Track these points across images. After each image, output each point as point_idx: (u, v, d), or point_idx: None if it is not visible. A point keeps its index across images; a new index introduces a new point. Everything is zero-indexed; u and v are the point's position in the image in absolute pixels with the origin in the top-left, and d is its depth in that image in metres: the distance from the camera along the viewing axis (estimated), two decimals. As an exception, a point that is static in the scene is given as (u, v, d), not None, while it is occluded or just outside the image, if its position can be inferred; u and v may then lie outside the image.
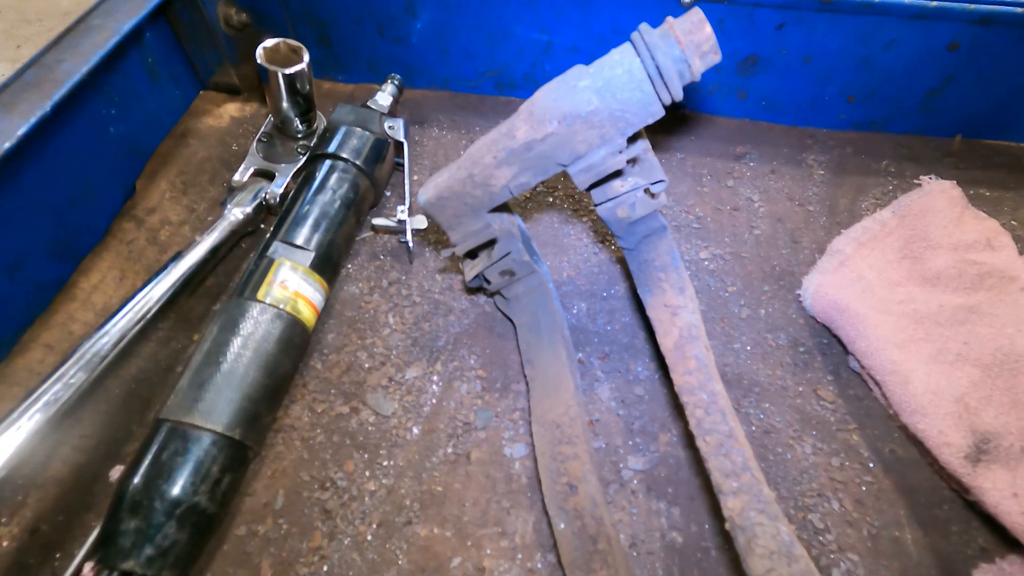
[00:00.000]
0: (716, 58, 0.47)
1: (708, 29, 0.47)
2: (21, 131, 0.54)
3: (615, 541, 0.48)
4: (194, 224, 0.74)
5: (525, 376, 0.60)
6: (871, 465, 0.57)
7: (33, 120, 0.55)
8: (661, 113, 0.48)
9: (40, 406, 0.48)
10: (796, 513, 0.54)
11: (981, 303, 0.60)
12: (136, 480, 0.46)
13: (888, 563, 0.51)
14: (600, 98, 0.47)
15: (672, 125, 0.87)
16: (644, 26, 0.48)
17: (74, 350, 0.53)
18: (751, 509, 0.43)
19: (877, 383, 0.59)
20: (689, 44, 0.46)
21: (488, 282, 0.62)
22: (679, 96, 0.48)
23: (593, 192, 0.55)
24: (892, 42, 0.75)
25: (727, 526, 0.44)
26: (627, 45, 0.48)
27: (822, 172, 0.82)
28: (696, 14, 0.47)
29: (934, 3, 0.70)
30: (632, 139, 0.52)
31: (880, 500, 0.55)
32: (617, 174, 0.53)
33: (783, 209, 0.78)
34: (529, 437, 0.58)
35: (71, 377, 0.51)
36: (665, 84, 0.46)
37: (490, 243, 0.59)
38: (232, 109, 0.87)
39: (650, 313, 0.56)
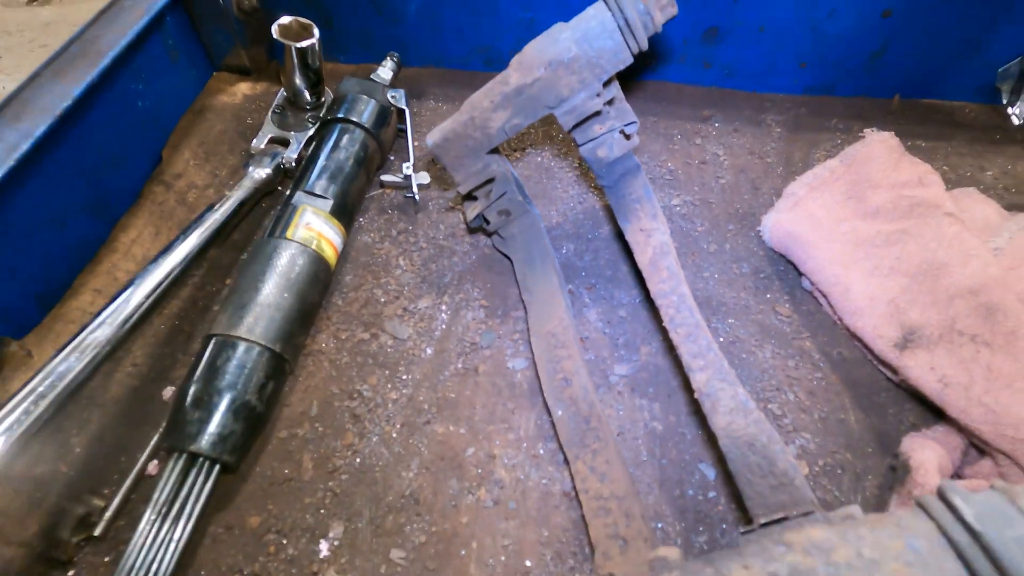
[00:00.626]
0: (673, 11, 0.56)
1: None
2: (75, 93, 0.61)
3: (603, 419, 0.56)
4: (217, 188, 0.82)
5: (523, 301, 0.69)
6: (821, 365, 0.66)
7: (84, 84, 0.63)
8: (630, 60, 0.58)
9: (93, 338, 0.55)
10: (758, 403, 0.63)
11: (911, 227, 0.70)
12: (196, 381, 0.54)
13: (835, 439, 0.61)
14: (579, 47, 0.56)
15: (646, 93, 0.97)
16: None
17: (126, 286, 0.60)
18: (714, 379, 0.52)
19: (824, 295, 0.69)
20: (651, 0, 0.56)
21: (487, 222, 0.71)
22: (644, 45, 0.57)
23: (576, 134, 0.64)
24: (833, 11, 0.85)
25: (696, 395, 0.53)
26: (600, 3, 0.57)
27: (779, 130, 0.92)
28: None
29: (867, -26, 0.81)
30: (606, 84, 0.61)
31: (828, 391, 0.64)
32: (596, 116, 0.62)
33: (745, 162, 0.87)
34: (529, 353, 0.66)
35: (121, 313, 0.58)
36: (632, 33, 0.56)
37: (488, 184, 0.67)
38: (244, 88, 0.94)
39: (628, 238, 0.65)
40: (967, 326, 0.58)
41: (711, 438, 0.60)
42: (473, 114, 0.61)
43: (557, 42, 0.57)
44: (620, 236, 0.78)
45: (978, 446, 0.56)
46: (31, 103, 0.60)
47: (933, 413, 0.61)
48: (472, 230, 0.77)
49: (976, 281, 0.61)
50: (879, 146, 0.83)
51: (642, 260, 0.62)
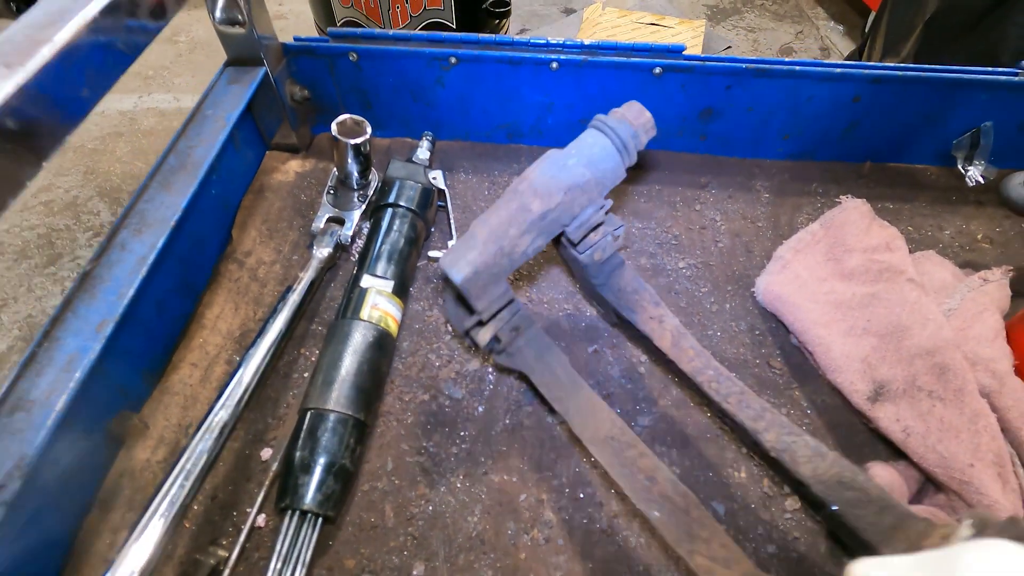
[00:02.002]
0: (653, 132, 0.69)
1: (648, 115, 0.69)
2: (183, 205, 0.73)
3: (700, 505, 0.59)
4: (283, 263, 0.93)
5: (557, 412, 0.70)
6: (808, 411, 0.79)
7: (189, 196, 0.74)
8: (625, 175, 0.68)
9: (219, 419, 0.67)
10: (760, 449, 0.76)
11: (879, 291, 0.84)
12: (300, 449, 0.66)
13: (821, 476, 0.74)
14: (590, 170, 0.64)
15: (651, 162, 1.10)
16: (600, 116, 0.68)
17: (236, 368, 0.72)
18: (783, 435, 0.62)
19: (810, 352, 0.82)
20: (638, 124, 0.68)
21: (499, 341, 0.71)
22: (635, 161, 0.69)
23: (575, 240, 0.70)
24: (811, 96, 0.99)
25: (771, 454, 0.62)
26: (593, 130, 0.67)
27: (767, 195, 1.05)
28: (635, 105, 0.69)
29: (839, 70, 0.94)
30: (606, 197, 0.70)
31: (815, 435, 0.77)
32: (597, 226, 0.70)
33: (739, 226, 1.01)
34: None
35: (236, 393, 0.69)
36: (628, 153, 0.67)
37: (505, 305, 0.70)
38: (295, 165, 1.06)
39: (641, 328, 0.74)
40: (925, 383, 0.72)
41: (720, 479, 0.73)
42: (501, 243, 0.62)
43: (568, 168, 0.63)
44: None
45: (934, 483, 0.69)
46: (148, 215, 0.72)
47: (900, 455, 0.74)
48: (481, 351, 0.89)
49: (932, 343, 0.74)
50: (853, 212, 0.97)
51: (663, 345, 0.71)
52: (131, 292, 0.65)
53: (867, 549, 0.55)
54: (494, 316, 0.68)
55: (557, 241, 0.71)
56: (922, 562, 0.39)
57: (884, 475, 0.68)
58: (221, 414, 0.64)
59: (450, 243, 0.91)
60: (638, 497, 0.60)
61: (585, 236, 0.69)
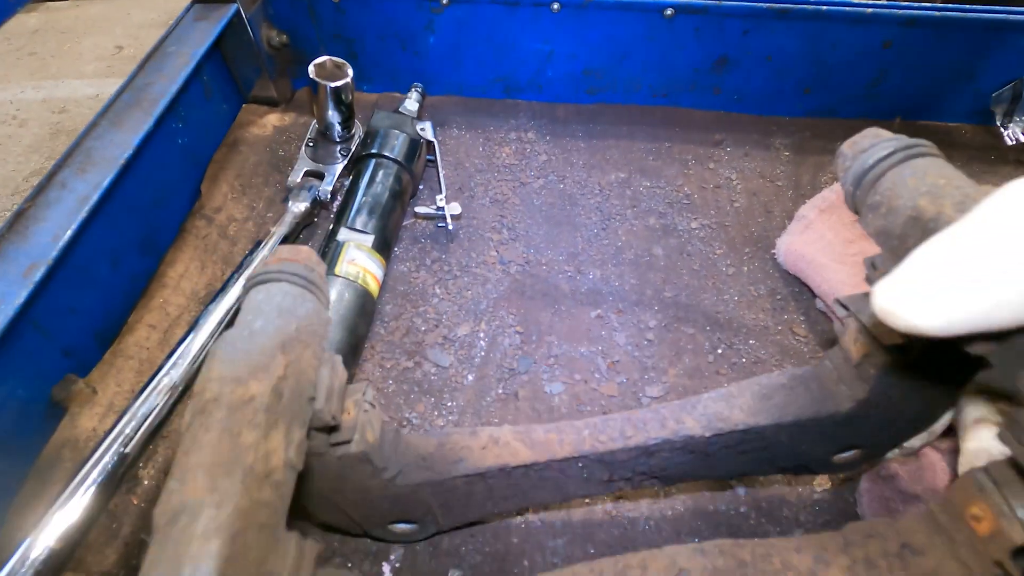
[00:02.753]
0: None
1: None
2: (135, 142, 0.65)
3: None
4: (256, 220, 0.85)
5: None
6: (837, 382, 0.71)
7: (141, 134, 0.66)
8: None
9: (167, 381, 0.59)
10: (781, 421, 0.68)
11: (916, 250, 0.75)
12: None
13: (853, 453, 0.65)
14: (294, 320, 0.40)
15: (658, 119, 1.01)
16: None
17: (192, 326, 0.64)
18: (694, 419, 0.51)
19: (834, 317, 0.74)
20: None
21: None
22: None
23: None
24: (837, 42, 0.90)
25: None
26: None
27: (787, 153, 0.97)
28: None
29: (870, 10, 0.86)
30: None
31: (845, 407, 0.69)
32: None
33: (756, 185, 0.92)
34: (565, 377, 0.70)
35: (189, 354, 0.62)
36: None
37: None
38: (273, 119, 0.98)
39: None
40: (973, 347, 0.63)
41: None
42: (245, 463, 0.33)
43: (260, 331, 0.38)
44: (645, 258, 0.82)
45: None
46: (95, 153, 0.63)
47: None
48: (503, 260, 0.81)
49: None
50: (882, 169, 0.88)
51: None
52: (68, 235, 0.57)
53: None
54: None
55: None
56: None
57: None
58: (170, 375, 0.56)
59: (439, 199, 0.82)
60: None
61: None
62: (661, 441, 0.50)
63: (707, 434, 0.50)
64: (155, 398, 0.54)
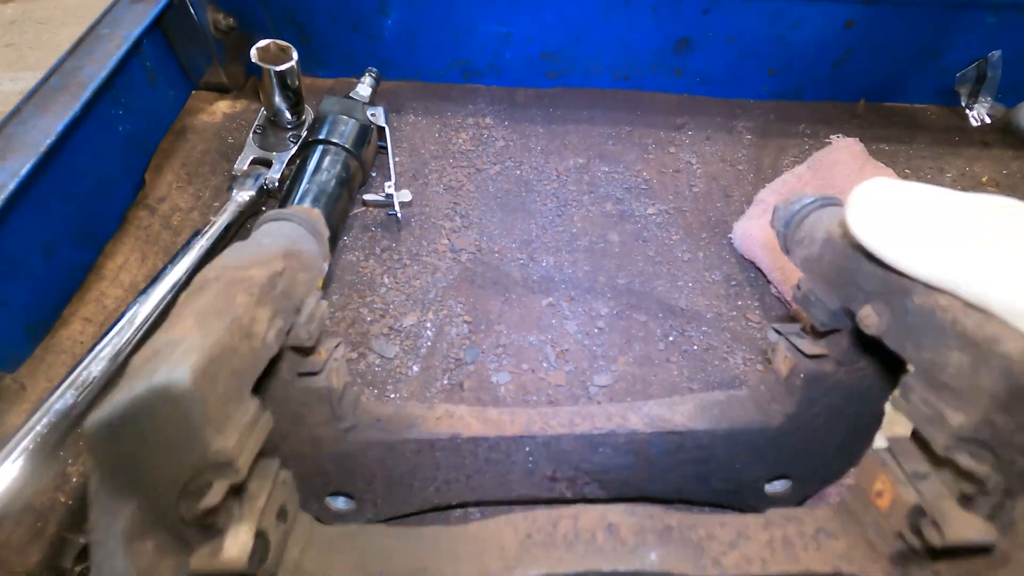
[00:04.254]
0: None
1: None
2: (58, 128, 0.62)
3: None
4: (201, 210, 0.83)
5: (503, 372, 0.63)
6: (789, 368, 0.70)
7: (67, 119, 0.63)
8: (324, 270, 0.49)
9: (87, 374, 0.57)
10: (730, 408, 0.67)
11: (872, 233, 0.74)
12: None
13: (802, 440, 0.64)
14: (298, 245, 0.45)
15: (619, 102, 0.99)
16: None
17: (118, 318, 0.62)
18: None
19: (787, 302, 0.72)
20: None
21: (268, 544, 0.37)
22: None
23: None
24: (799, 21, 0.88)
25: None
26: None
27: (750, 137, 0.95)
28: None
29: (829, -13, 0.84)
30: None
31: (796, 394, 0.68)
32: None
33: (717, 169, 0.90)
34: (512, 367, 0.69)
35: (114, 346, 0.60)
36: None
37: None
38: (223, 106, 0.95)
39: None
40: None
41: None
42: (233, 314, 0.35)
43: (266, 245, 0.44)
44: (600, 244, 0.81)
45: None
46: (15, 139, 0.61)
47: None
48: (453, 248, 0.79)
49: (930, 287, 0.64)
50: (844, 152, 0.87)
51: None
52: (-20, 225, 0.55)
53: None
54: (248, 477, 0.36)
55: None
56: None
57: None
58: (91, 368, 0.54)
59: (387, 186, 0.80)
60: None
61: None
62: (606, 432, 0.52)
63: (648, 431, 0.52)
64: (72, 393, 0.52)
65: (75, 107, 0.65)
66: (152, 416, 0.29)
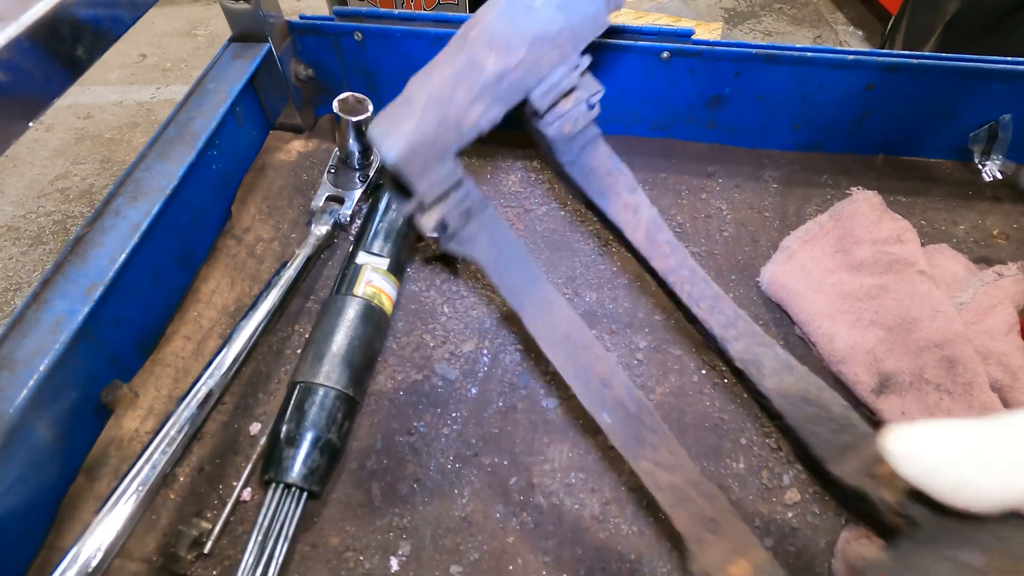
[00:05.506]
0: None
1: None
2: (180, 173, 0.72)
3: (654, 412, 0.56)
4: (281, 240, 0.92)
5: (511, 306, 0.61)
6: (811, 403, 0.77)
7: (185, 166, 0.74)
8: (607, 24, 0.52)
9: (205, 388, 0.66)
10: (757, 438, 0.74)
11: (888, 282, 0.81)
12: (288, 422, 0.65)
13: (823, 469, 0.71)
14: (563, 15, 0.48)
15: (655, 150, 1.08)
16: None
17: (226, 340, 0.71)
18: (752, 345, 0.56)
19: (813, 343, 0.80)
20: None
21: (446, 227, 0.56)
22: (620, 5, 0.52)
23: (541, 109, 0.54)
24: (823, 84, 0.97)
25: (737, 364, 0.56)
26: None
27: (775, 185, 1.03)
28: None
29: (852, 57, 0.92)
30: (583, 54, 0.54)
31: (818, 427, 0.75)
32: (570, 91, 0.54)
33: (745, 216, 0.99)
34: (559, 392, 0.77)
35: (224, 365, 0.69)
36: None
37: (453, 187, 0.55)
38: (298, 145, 1.06)
39: (612, 216, 0.61)
40: (933, 375, 0.69)
41: (718, 468, 0.71)
42: (446, 111, 0.47)
43: (534, 12, 0.48)
44: (638, 283, 0.89)
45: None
46: (144, 183, 0.71)
47: (906, 447, 0.71)
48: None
49: (941, 336, 0.72)
50: (864, 203, 0.94)
51: (636, 238, 0.60)
52: (123, 257, 0.64)
53: (816, 464, 0.51)
54: (440, 199, 0.51)
55: (520, 109, 0.54)
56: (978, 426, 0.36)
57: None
58: (207, 384, 0.63)
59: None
60: (590, 400, 0.56)
61: (554, 104, 0.53)
62: None
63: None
64: (195, 405, 0.61)
65: (191, 155, 0.75)
66: (388, 168, 0.47)
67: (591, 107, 0.55)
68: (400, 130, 0.46)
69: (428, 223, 0.52)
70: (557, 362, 0.58)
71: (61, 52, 0.55)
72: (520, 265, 0.60)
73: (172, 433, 0.58)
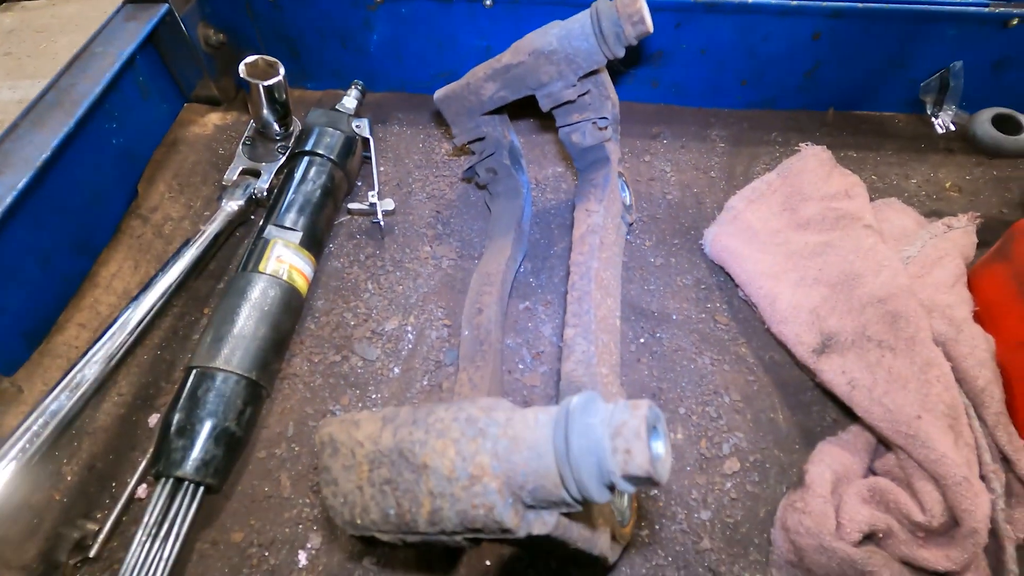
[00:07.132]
0: (644, 28, 0.65)
1: (639, 4, 0.65)
2: (53, 144, 0.65)
3: (495, 345, 0.67)
4: (193, 219, 0.86)
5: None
6: (755, 368, 0.73)
7: (61, 135, 0.67)
8: (603, 61, 0.68)
9: (82, 376, 0.60)
10: (696, 407, 0.70)
11: (834, 239, 0.77)
12: (179, 411, 0.59)
13: (765, 437, 0.68)
14: (559, 42, 0.67)
15: (599, 112, 1.02)
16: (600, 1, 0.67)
17: (111, 324, 0.65)
18: (578, 336, 0.61)
19: (755, 305, 0.75)
20: (624, 14, 0.65)
21: (478, 175, 0.84)
22: (619, 53, 0.66)
23: (556, 117, 0.77)
24: (768, 35, 0.91)
25: (562, 346, 0.62)
26: (586, 11, 0.67)
27: (723, 145, 0.98)
28: None
29: (795, 2, 0.87)
30: (584, 79, 0.71)
31: (760, 393, 0.71)
32: (571, 104, 0.73)
33: (690, 177, 0.94)
34: (488, 368, 0.72)
35: (107, 350, 0.63)
36: (605, 41, 0.65)
37: (480, 141, 0.80)
38: (215, 118, 0.98)
39: (574, 215, 0.75)
40: (875, 332, 0.65)
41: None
42: (471, 80, 0.73)
43: (545, 35, 0.68)
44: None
45: (884, 443, 0.63)
46: (12, 155, 0.64)
47: (850, 412, 0.67)
48: (433, 257, 0.82)
49: (885, 290, 0.68)
50: (812, 159, 0.90)
51: (575, 235, 0.73)
52: (-20, 237, 0.58)
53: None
54: (474, 147, 0.81)
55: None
56: None
57: (818, 467, 0.60)
58: (85, 370, 0.57)
59: (371, 195, 0.83)
60: (466, 318, 0.70)
61: (559, 108, 0.75)
62: None
63: None
64: (67, 394, 0.55)
65: (69, 123, 0.68)
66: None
67: (599, 129, 0.76)
68: (447, 86, 0.78)
69: (457, 141, 0.82)
70: (471, 287, 0.73)
71: None
72: (506, 226, 0.79)
73: (35, 428, 0.52)
